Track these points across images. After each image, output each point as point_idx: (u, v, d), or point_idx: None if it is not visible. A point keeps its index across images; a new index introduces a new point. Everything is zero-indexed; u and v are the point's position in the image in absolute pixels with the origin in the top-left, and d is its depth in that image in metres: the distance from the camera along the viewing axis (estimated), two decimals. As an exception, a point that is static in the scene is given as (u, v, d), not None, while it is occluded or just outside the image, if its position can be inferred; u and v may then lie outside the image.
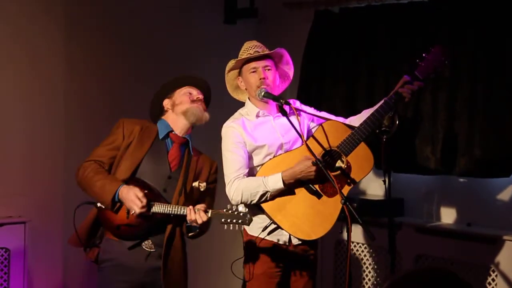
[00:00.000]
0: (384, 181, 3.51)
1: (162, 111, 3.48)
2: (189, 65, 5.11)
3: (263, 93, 3.31)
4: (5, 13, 4.34)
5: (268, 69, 3.38)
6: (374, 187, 4.59)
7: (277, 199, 3.28)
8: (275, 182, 3.22)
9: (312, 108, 3.55)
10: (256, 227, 3.33)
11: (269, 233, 3.30)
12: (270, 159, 3.34)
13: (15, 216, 4.34)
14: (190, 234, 3.35)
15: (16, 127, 4.42)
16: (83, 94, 4.66)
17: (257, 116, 3.42)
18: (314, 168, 3.18)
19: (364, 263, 4.60)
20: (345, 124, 3.41)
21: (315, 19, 4.87)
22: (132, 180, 3.28)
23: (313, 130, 3.45)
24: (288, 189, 3.25)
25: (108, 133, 3.50)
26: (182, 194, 3.31)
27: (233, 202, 3.29)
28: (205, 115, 3.40)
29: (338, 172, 3.26)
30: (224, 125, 3.43)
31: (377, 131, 3.40)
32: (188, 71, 5.07)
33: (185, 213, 3.18)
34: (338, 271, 4.73)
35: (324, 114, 3.53)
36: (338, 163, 3.29)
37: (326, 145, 3.29)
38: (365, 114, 3.36)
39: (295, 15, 5.05)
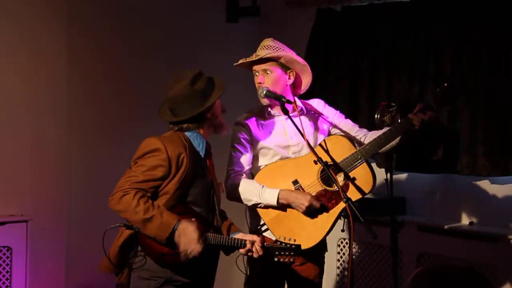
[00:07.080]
0: (386, 180, 3.50)
1: (198, 120, 3.10)
2: (191, 63, 5.08)
3: (264, 92, 3.30)
4: (9, 11, 4.34)
5: (267, 73, 3.34)
6: (376, 186, 4.59)
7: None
8: (270, 198, 3.23)
9: (338, 112, 3.51)
10: (257, 224, 3.36)
11: (264, 231, 3.32)
12: (276, 161, 3.34)
13: (17, 214, 4.35)
14: (230, 253, 3.22)
15: (19, 126, 4.43)
16: (86, 94, 4.67)
17: (269, 115, 3.41)
18: (306, 204, 3.18)
19: (366, 262, 4.59)
20: (351, 141, 3.37)
21: (317, 17, 4.87)
22: (181, 206, 3.03)
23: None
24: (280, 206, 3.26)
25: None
26: (219, 204, 3.19)
27: (226, 197, 3.32)
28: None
29: (336, 188, 3.20)
30: (235, 121, 3.42)
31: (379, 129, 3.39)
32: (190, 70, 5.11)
33: (239, 246, 3.05)
34: (340, 270, 4.73)
35: (348, 121, 3.49)
36: (338, 179, 3.25)
37: (328, 160, 3.26)
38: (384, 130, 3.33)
39: (297, 13, 5.05)
